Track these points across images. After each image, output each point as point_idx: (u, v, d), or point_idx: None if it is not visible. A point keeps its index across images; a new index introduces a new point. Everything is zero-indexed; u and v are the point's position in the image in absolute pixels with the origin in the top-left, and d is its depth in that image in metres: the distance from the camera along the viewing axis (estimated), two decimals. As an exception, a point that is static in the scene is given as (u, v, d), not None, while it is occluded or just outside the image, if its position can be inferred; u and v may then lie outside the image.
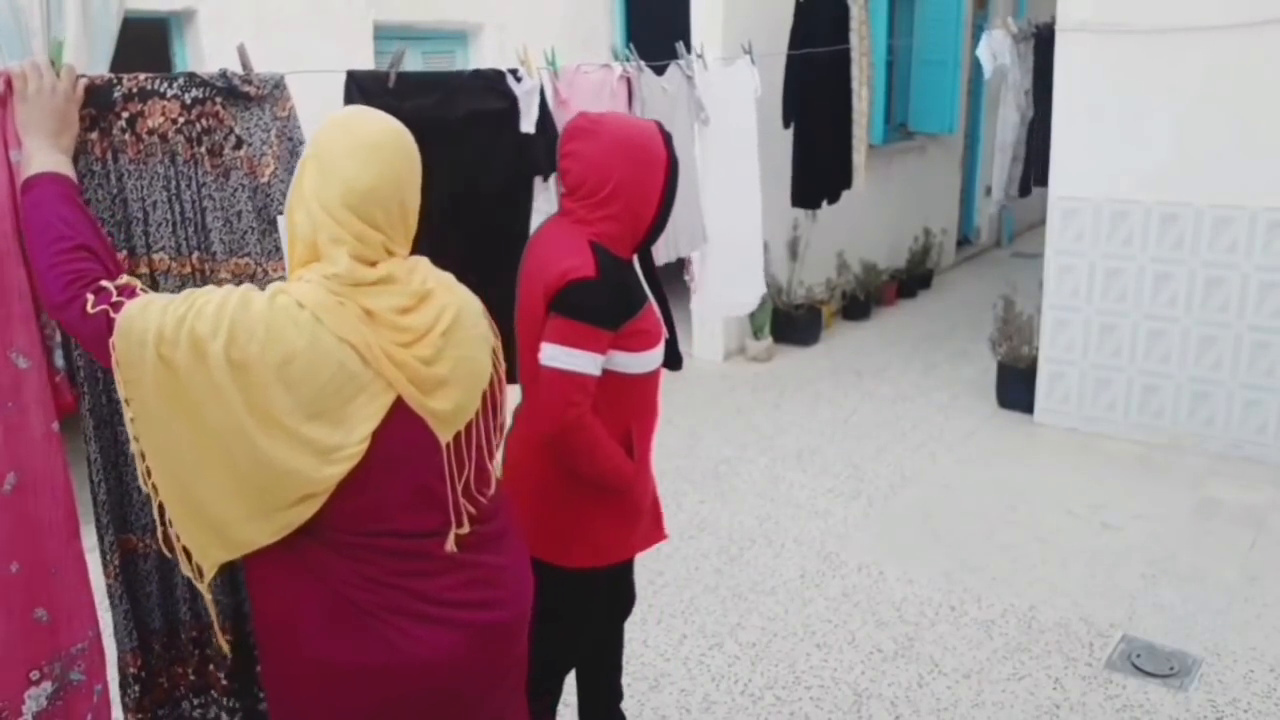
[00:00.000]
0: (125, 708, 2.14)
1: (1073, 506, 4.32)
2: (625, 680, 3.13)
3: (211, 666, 2.23)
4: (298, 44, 4.62)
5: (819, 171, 5.50)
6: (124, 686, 2.14)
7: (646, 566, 3.83)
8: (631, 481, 2.23)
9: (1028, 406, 5.34)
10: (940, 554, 3.92)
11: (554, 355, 2.09)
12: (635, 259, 2.31)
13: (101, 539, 2.07)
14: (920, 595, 3.62)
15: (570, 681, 2.66)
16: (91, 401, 1.98)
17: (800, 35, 5.32)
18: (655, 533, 2.47)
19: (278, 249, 2.13)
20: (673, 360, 2.43)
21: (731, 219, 4.22)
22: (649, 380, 2.27)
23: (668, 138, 2.20)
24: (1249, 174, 4.52)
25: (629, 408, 2.23)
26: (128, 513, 2.10)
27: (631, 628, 3.43)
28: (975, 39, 8.66)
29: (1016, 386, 5.43)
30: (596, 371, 2.10)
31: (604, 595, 2.44)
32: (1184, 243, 4.73)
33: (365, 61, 4.91)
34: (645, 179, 2.15)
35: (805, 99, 5.29)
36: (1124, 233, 4.86)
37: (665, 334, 2.34)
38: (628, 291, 2.17)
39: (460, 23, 5.40)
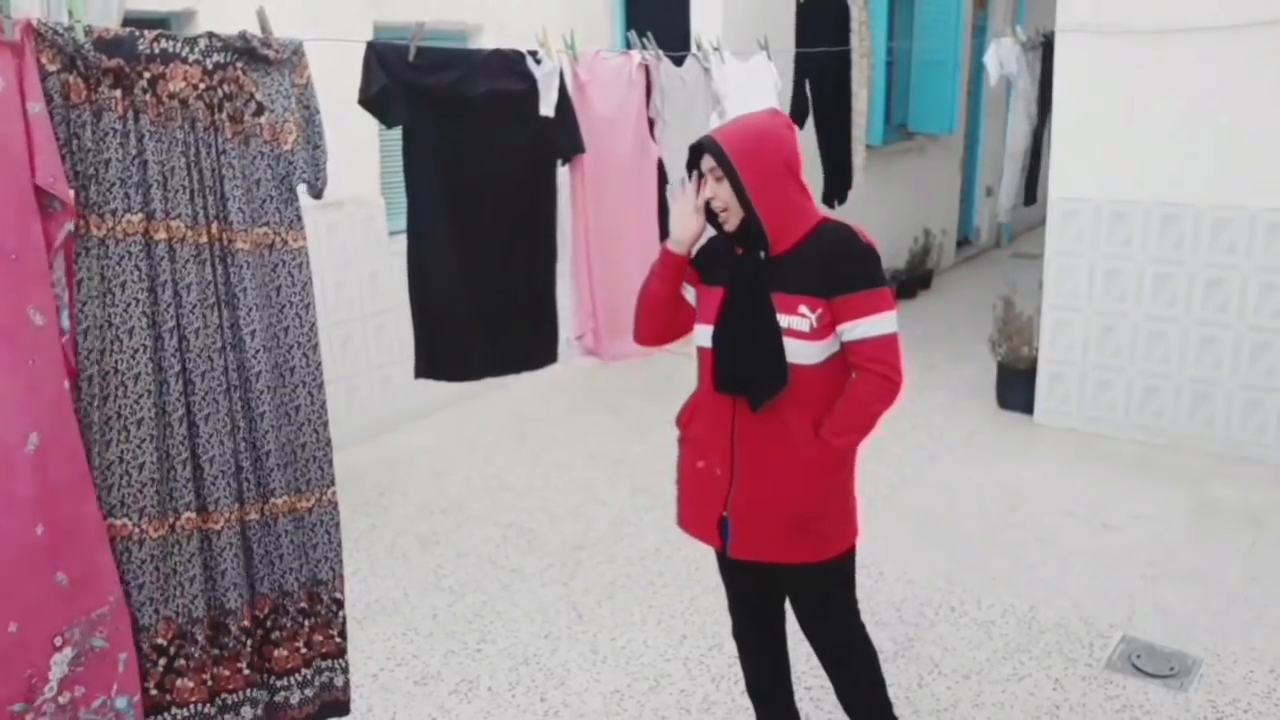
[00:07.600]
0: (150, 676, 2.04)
1: (1073, 506, 4.31)
2: (625, 680, 3.14)
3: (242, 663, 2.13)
4: (297, 44, 4.60)
5: (821, 172, 5.50)
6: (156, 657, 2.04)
7: (646, 567, 3.83)
8: None
9: (1028, 407, 5.34)
10: (940, 554, 3.92)
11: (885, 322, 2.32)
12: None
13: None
14: (920, 595, 3.62)
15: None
16: (90, 369, 1.88)
17: (802, 36, 5.32)
18: None
19: (299, 218, 2.11)
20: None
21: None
22: None
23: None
24: (1249, 174, 4.52)
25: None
26: (124, 495, 1.92)
27: (631, 628, 3.43)
28: (975, 40, 8.72)
29: (1016, 387, 5.43)
30: None
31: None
32: (1184, 243, 4.73)
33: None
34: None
35: (808, 99, 5.29)
36: (1124, 233, 4.86)
37: None
38: None
39: (460, 23, 5.40)
